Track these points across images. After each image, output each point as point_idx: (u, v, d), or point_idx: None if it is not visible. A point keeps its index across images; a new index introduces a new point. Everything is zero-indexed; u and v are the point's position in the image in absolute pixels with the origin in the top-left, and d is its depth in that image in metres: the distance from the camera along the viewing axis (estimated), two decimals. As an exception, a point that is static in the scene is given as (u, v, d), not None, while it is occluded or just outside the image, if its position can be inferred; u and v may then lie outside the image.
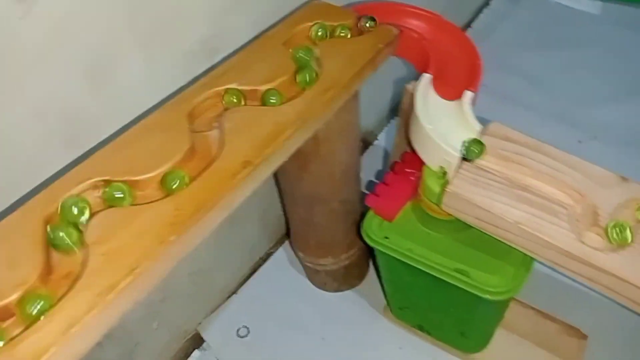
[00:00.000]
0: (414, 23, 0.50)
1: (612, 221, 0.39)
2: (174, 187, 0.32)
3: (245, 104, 0.38)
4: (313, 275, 0.66)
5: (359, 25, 0.45)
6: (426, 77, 0.47)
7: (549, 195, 0.41)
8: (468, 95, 0.46)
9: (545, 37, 0.95)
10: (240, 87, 0.38)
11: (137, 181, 0.33)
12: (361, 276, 0.66)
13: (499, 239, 0.42)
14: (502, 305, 0.47)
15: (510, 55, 0.91)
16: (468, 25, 0.98)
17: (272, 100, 0.38)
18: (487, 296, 0.44)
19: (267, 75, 0.40)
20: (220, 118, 0.36)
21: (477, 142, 0.43)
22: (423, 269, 0.47)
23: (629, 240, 0.39)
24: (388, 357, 0.61)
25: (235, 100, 0.38)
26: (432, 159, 0.45)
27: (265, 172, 0.35)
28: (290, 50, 0.43)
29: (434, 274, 0.46)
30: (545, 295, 0.62)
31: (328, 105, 0.39)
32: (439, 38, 0.49)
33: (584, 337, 0.58)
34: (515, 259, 0.45)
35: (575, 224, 0.40)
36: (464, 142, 0.43)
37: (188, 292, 0.60)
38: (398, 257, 0.48)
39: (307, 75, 0.40)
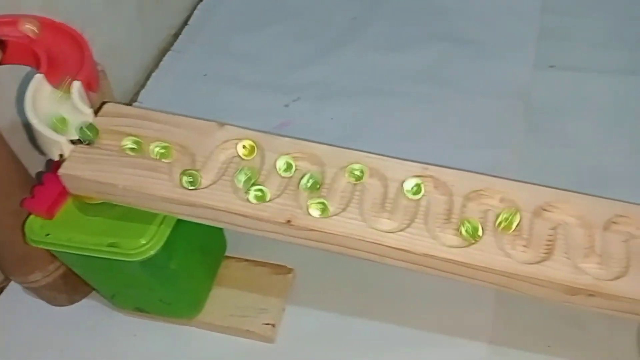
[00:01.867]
0: (20, 29, 0.52)
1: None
2: None
3: None
4: (39, 294, 0.66)
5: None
6: (37, 78, 0.49)
7: (151, 155, 0.46)
8: (75, 85, 0.49)
9: (255, 17, 1.02)
10: None
11: None
12: (92, 281, 0.68)
13: (121, 204, 0.46)
14: (163, 263, 0.51)
15: (226, 41, 0.98)
16: (185, 23, 1.03)
17: None
18: (134, 258, 0.48)
19: None
20: None
21: (88, 125, 0.46)
22: (83, 253, 0.50)
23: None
24: (125, 348, 0.63)
25: None
26: (49, 150, 0.48)
27: None
28: None
29: (93, 254, 0.49)
30: (258, 246, 0.68)
31: None
32: (50, 38, 0.52)
33: (289, 271, 0.65)
34: (158, 219, 0.50)
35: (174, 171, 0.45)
36: (76, 127, 0.47)
37: None
38: (60, 250, 0.51)
39: None
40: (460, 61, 0.88)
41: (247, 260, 0.67)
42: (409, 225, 0.42)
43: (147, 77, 0.92)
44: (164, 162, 0.46)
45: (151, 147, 0.46)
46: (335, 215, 0.43)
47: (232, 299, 0.63)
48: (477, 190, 0.44)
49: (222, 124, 0.48)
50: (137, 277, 0.53)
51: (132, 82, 0.91)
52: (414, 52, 0.90)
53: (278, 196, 0.44)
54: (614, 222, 0.44)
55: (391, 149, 0.77)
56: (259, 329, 0.61)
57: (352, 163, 0.46)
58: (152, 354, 0.63)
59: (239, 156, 0.47)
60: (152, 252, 0.48)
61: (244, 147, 0.47)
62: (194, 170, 0.45)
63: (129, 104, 0.61)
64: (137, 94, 0.90)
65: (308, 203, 0.43)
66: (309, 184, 0.44)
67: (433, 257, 0.41)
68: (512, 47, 0.88)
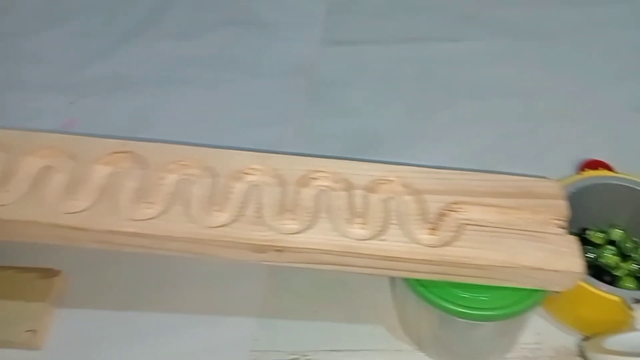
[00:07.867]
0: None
1: None
2: None
3: None
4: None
5: None
6: None
7: None
8: None
9: (41, 18, 0.96)
10: None
11: None
12: None
13: None
14: None
15: (9, 45, 0.92)
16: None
17: None
18: None
19: None
20: None
21: None
22: None
23: None
24: None
25: None
26: None
27: None
28: None
29: None
30: (28, 252, 0.63)
31: None
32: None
33: (56, 273, 0.62)
34: None
35: None
36: None
37: None
38: None
39: None
40: (249, 44, 0.88)
41: (12, 267, 0.63)
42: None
43: None
44: None
45: None
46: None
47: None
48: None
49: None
50: None
51: None
52: (205, 38, 0.90)
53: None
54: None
55: (180, 135, 0.76)
56: (19, 337, 0.57)
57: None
58: None
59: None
60: None
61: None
62: None
63: None
64: None
65: None
66: None
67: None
68: (301, 26, 0.90)
